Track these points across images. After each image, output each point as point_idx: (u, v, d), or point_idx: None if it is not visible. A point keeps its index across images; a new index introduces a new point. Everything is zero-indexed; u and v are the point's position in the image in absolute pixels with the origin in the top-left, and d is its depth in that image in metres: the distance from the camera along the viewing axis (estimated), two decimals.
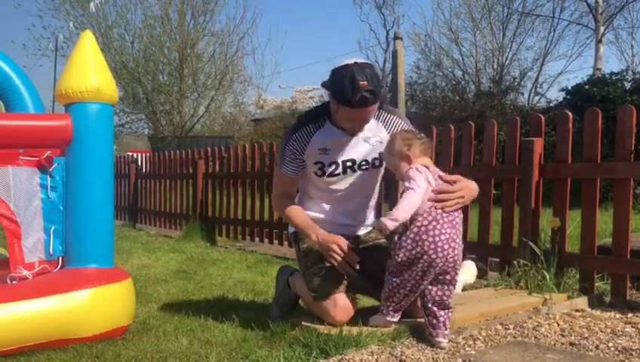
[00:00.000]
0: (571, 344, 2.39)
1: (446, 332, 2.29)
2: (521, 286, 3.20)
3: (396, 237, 2.29)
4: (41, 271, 2.51)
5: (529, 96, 17.30)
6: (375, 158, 2.55)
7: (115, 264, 2.69)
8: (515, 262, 3.30)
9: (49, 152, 2.58)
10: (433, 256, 2.20)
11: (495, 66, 17.74)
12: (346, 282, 2.49)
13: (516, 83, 15.77)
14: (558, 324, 2.69)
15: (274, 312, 2.82)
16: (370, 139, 2.53)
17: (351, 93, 2.25)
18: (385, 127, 2.56)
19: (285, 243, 5.51)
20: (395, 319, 2.37)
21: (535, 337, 2.49)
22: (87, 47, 2.59)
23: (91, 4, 17.14)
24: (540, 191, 3.45)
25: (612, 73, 11.77)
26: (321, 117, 2.51)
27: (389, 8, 20.21)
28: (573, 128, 3.40)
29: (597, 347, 2.35)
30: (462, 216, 2.31)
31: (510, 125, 3.72)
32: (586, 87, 11.37)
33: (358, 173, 2.56)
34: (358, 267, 2.43)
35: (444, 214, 2.22)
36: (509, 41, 17.91)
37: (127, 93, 18.82)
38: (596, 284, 3.22)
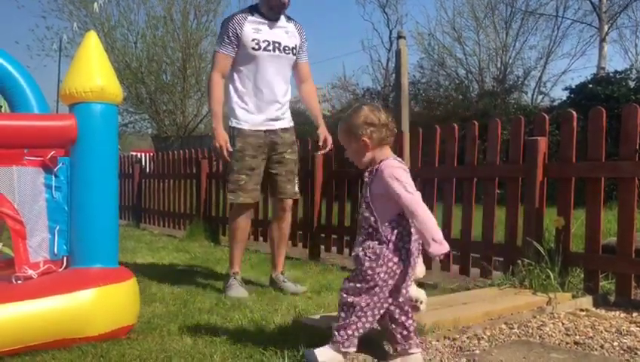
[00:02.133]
0: (576, 343, 2.39)
1: (419, 341, 2.10)
2: (526, 286, 3.19)
3: (361, 252, 2.01)
4: (46, 270, 2.51)
5: (532, 95, 17.31)
6: (293, 47, 3.53)
7: (120, 263, 2.69)
8: (520, 262, 3.29)
9: (53, 152, 2.59)
10: (407, 264, 2.00)
11: (498, 65, 17.74)
12: (256, 195, 3.54)
13: (520, 82, 15.77)
14: (563, 324, 2.69)
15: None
16: (288, 32, 3.52)
17: None
18: (294, 26, 3.56)
19: (289, 242, 5.51)
20: (352, 350, 2.05)
21: (540, 336, 2.48)
22: (92, 47, 2.59)
23: (95, 4, 17.17)
24: (544, 190, 3.44)
25: (616, 72, 11.76)
26: (251, 9, 3.47)
27: (392, 7, 20.27)
28: (577, 127, 3.39)
29: (602, 346, 2.35)
30: None
31: (514, 124, 3.71)
32: (590, 85, 11.35)
33: (283, 55, 3.48)
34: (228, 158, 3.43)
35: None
36: (512, 40, 17.93)
37: (130, 93, 18.83)
38: (601, 284, 3.21)
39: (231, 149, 3.42)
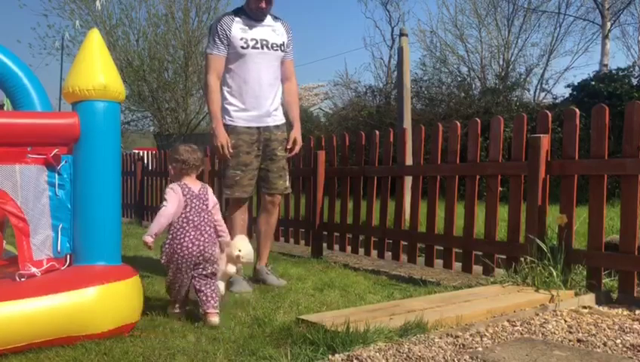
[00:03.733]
0: (579, 340, 2.39)
1: (215, 304, 2.69)
2: (528, 283, 3.19)
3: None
4: (50, 268, 2.52)
5: (535, 92, 17.25)
6: (281, 44, 3.64)
7: (122, 261, 2.70)
8: (522, 259, 3.29)
9: (56, 150, 2.59)
10: (181, 254, 2.70)
11: (501, 63, 17.69)
12: (251, 190, 3.63)
13: (522, 79, 15.70)
14: (566, 321, 2.69)
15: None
16: (275, 30, 3.65)
17: None
18: (282, 24, 3.70)
19: (291, 239, 5.52)
20: (178, 311, 2.82)
21: (542, 334, 2.48)
22: (94, 45, 2.60)
23: (97, 1, 17.16)
24: (547, 187, 3.44)
25: (619, 69, 11.70)
26: (237, 11, 3.60)
27: (394, 5, 20.20)
28: (579, 124, 3.39)
29: (605, 344, 2.35)
30: (210, 220, 2.82)
31: (517, 122, 3.71)
32: (593, 83, 11.32)
33: (271, 51, 3.59)
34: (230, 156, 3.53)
35: (190, 221, 2.74)
36: (514, 38, 17.87)
37: (132, 91, 18.82)
38: (603, 281, 3.21)
39: (232, 150, 3.53)
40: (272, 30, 3.63)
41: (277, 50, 3.62)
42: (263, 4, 3.53)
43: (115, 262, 2.61)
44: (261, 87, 3.58)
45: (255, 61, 3.55)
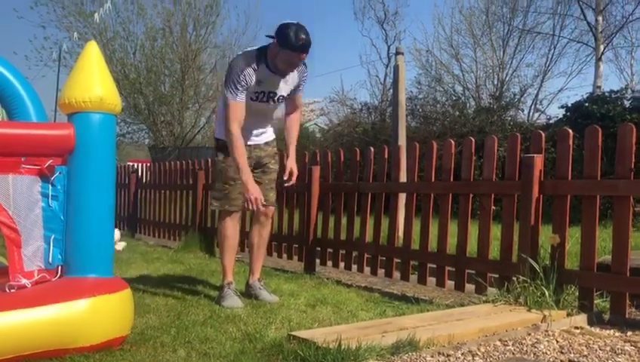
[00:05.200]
0: (570, 361, 2.39)
1: None
2: (520, 303, 3.19)
3: None
4: (40, 279, 2.50)
5: (529, 112, 17.39)
6: (288, 95, 3.64)
7: (114, 274, 2.68)
8: (515, 278, 3.29)
9: (51, 161, 2.58)
10: None
11: (495, 82, 17.85)
12: (240, 203, 3.57)
13: (516, 99, 15.81)
14: (557, 341, 2.69)
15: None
16: (287, 81, 3.56)
17: (295, 41, 3.25)
18: (296, 71, 3.55)
19: (284, 255, 5.51)
20: None
21: (534, 354, 2.48)
22: (92, 57, 2.60)
23: (95, 14, 17.23)
24: (540, 207, 3.45)
25: (612, 91, 11.81)
26: (259, 57, 3.43)
27: (390, 24, 20.32)
28: (573, 145, 3.41)
29: None
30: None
31: (510, 141, 3.73)
32: (586, 104, 11.41)
33: (275, 103, 3.62)
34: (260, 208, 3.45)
35: None
36: (509, 58, 18.05)
37: (128, 103, 18.84)
38: (595, 302, 3.21)
39: (223, 165, 3.58)
40: (284, 82, 3.55)
41: (282, 101, 3.65)
42: (292, 67, 3.44)
43: (107, 274, 2.59)
44: (255, 126, 3.64)
45: (256, 109, 3.55)
